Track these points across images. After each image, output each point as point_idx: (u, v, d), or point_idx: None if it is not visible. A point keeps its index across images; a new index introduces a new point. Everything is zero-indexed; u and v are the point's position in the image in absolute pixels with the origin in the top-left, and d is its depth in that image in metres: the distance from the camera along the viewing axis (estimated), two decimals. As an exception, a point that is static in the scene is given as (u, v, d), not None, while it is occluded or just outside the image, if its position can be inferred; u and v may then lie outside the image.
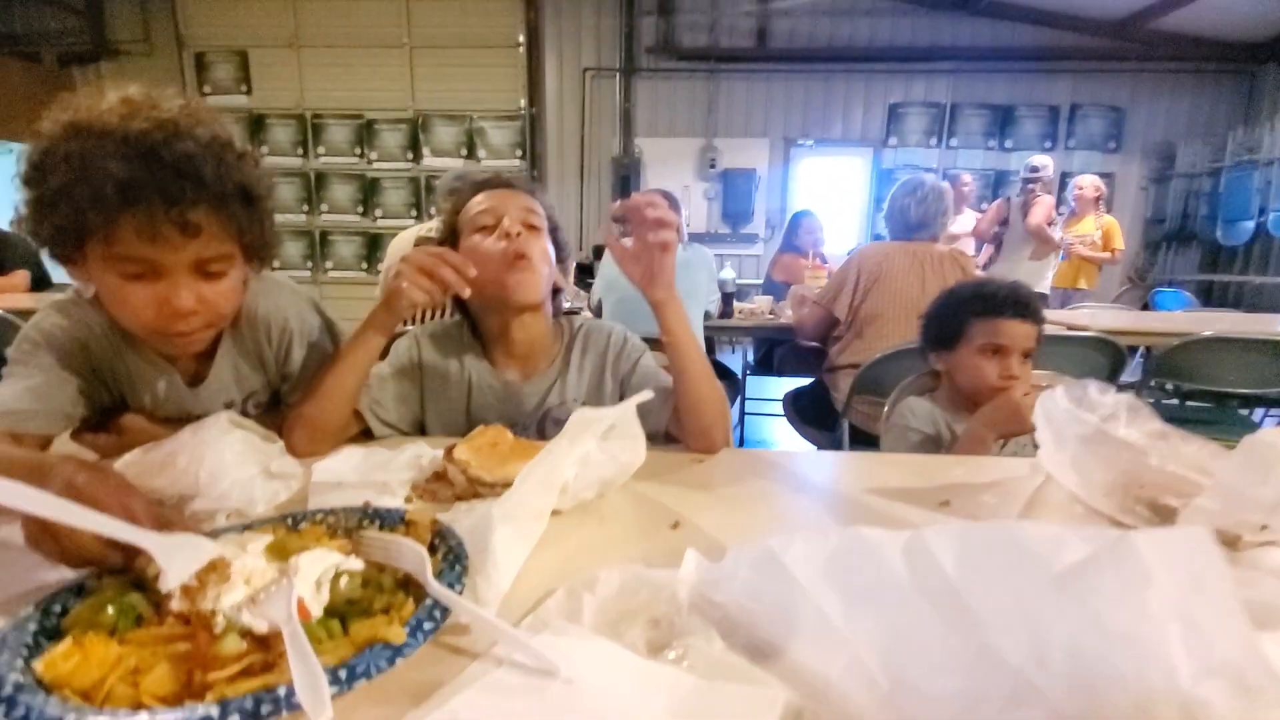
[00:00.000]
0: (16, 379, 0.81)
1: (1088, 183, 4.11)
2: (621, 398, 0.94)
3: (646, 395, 0.68)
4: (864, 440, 1.80)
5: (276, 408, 0.97)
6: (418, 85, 5.88)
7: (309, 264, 6.21)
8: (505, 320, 0.96)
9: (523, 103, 5.85)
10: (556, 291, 1.04)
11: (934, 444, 1.13)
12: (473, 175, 1.05)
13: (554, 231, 1.01)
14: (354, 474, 0.70)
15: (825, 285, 2.13)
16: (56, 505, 0.45)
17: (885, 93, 5.88)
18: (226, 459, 0.64)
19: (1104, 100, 5.77)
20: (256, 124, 5.96)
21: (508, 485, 0.66)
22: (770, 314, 2.63)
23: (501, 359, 0.99)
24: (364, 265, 6.19)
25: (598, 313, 2.40)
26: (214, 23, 5.80)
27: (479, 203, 0.97)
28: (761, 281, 3.88)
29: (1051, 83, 5.74)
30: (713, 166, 5.94)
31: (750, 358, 3.16)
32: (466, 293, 0.82)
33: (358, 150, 6.02)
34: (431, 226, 2.16)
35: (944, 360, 1.23)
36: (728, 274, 2.57)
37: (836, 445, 1.88)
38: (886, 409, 1.24)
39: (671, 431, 0.91)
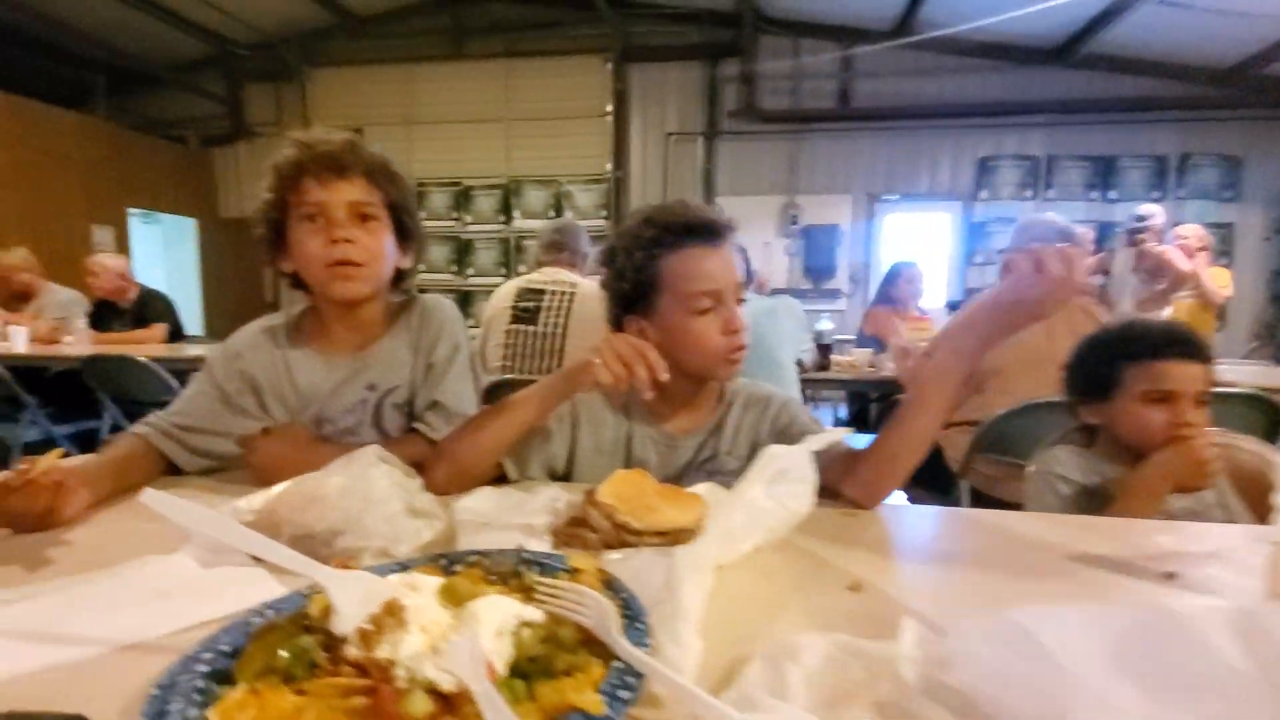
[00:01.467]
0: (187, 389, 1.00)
1: (1190, 232, 3.81)
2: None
3: (833, 436, 0.67)
4: (985, 504, 1.68)
5: (406, 418, 1.03)
6: (512, 153, 6.26)
7: (405, 320, 6.55)
8: (679, 381, 0.91)
9: (608, 166, 6.10)
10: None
11: (1089, 497, 1.03)
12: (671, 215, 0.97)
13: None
14: (494, 514, 0.70)
15: (938, 337, 2.03)
16: (228, 527, 0.48)
17: (974, 147, 5.77)
18: (374, 493, 0.64)
19: (1216, 149, 5.44)
20: (366, 192, 6.45)
21: (659, 534, 0.64)
22: (870, 367, 2.54)
23: (664, 410, 0.96)
24: (456, 321, 6.48)
25: None
26: (337, 104, 6.42)
27: (706, 270, 0.92)
28: (854, 337, 3.78)
29: (1156, 132, 5.48)
30: (794, 223, 5.94)
31: (842, 414, 3.05)
32: (649, 395, 0.81)
33: (454, 214, 6.41)
34: (531, 279, 2.23)
35: (1098, 413, 1.12)
36: (825, 325, 2.51)
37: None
38: (1032, 468, 1.14)
39: (823, 480, 0.87)
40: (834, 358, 2.54)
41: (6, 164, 5.19)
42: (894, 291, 3.43)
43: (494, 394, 1.95)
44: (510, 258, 6.40)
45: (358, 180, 0.94)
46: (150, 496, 0.52)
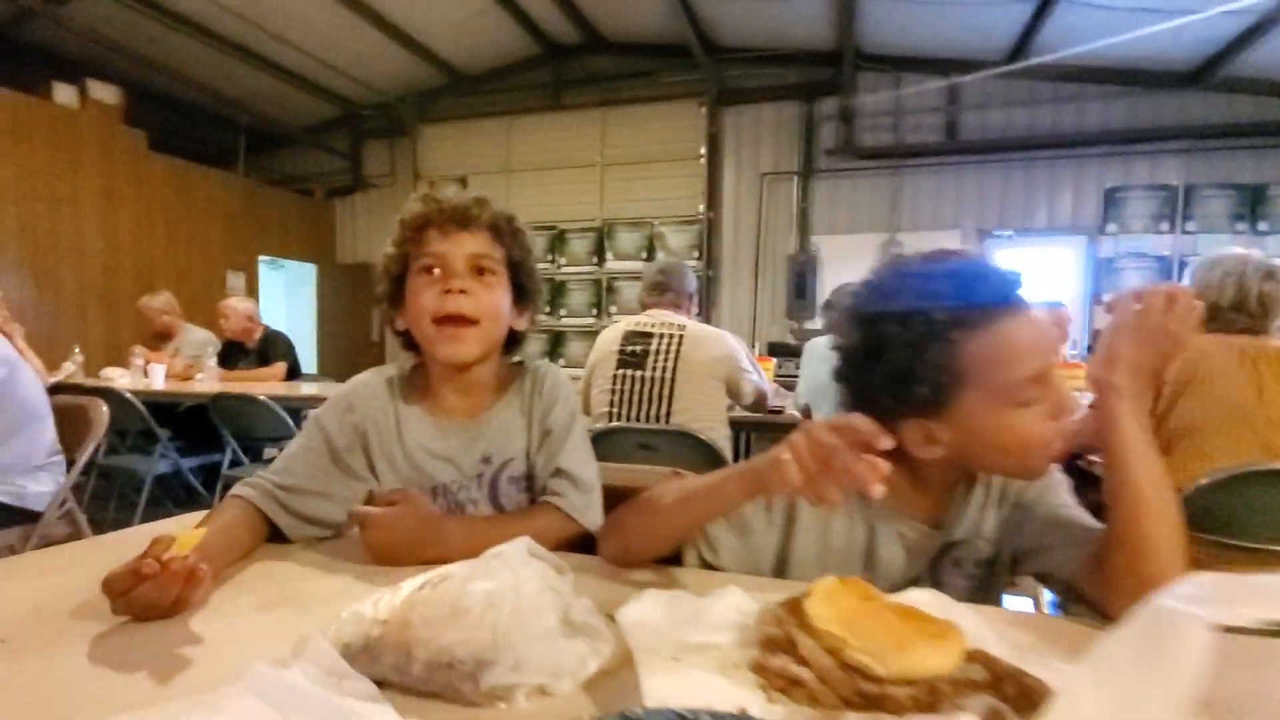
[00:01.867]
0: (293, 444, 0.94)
1: None
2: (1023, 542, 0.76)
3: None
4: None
5: (526, 489, 0.96)
6: (605, 197, 6.37)
7: (500, 360, 6.72)
8: (940, 470, 0.75)
9: (701, 208, 6.08)
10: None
11: None
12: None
13: None
14: (668, 626, 0.54)
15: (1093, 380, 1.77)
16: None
17: (1099, 177, 5.34)
18: (527, 604, 0.51)
19: (1397, 171, 4.76)
20: (467, 237, 6.75)
21: (908, 684, 0.44)
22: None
23: (915, 498, 0.77)
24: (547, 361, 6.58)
25: (809, 418, 2.24)
26: (443, 156, 6.79)
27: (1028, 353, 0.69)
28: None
29: (1319, 156, 4.87)
30: (897, 262, 5.65)
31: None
32: (878, 494, 0.56)
33: (549, 257, 6.56)
34: (638, 321, 2.17)
35: None
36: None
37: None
38: None
39: (1078, 582, 0.69)
40: None
41: (160, 216, 5.78)
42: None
43: (601, 442, 1.89)
44: (601, 299, 6.45)
45: (480, 233, 0.91)
46: (256, 680, 0.46)
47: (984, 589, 0.79)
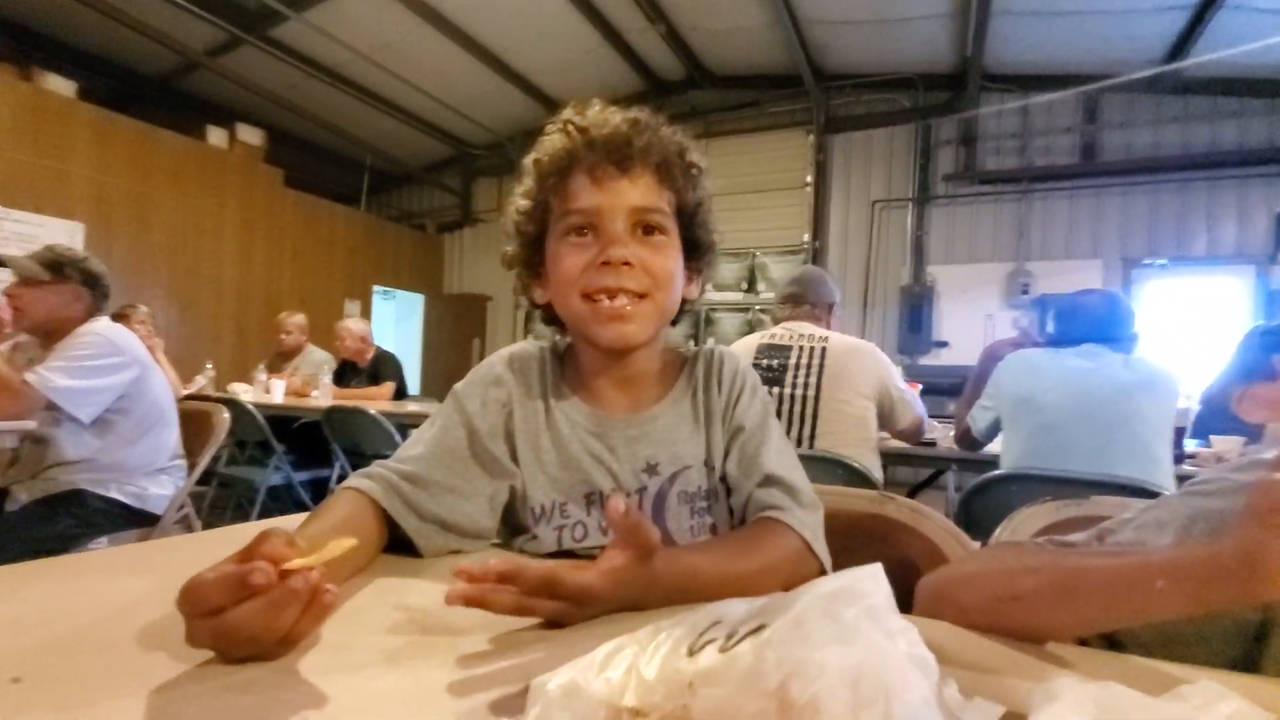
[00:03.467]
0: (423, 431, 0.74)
1: None
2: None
3: None
4: None
5: (707, 505, 0.72)
6: (705, 228, 6.27)
7: (595, 391, 6.69)
8: None
9: (806, 237, 5.85)
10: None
11: None
12: None
13: None
14: None
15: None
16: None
17: (1270, 200, 4.69)
18: (895, 686, 0.26)
19: None
20: (567, 269, 6.86)
21: None
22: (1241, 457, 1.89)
23: None
24: (643, 393, 6.48)
25: (985, 439, 1.90)
26: (545, 190, 6.97)
27: None
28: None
29: None
30: (1025, 293, 5.17)
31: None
32: None
33: (647, 288, 6.51)
34: (774, 333, 1.96)
35: None
36: (1180, 404, 1.88)
37: None
38: None
39: None
40: (1188, 443, 1.88)
41: (289, 248, 6.21)
42: (1254, 360, 2.55)
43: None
44: (700, 330, 6.30)
45: (646, 176, 0.69)
46: None
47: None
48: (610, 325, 0.68)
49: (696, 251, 0.76)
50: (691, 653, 0.30)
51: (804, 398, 1.80)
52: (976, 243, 5.44)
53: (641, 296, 0.68)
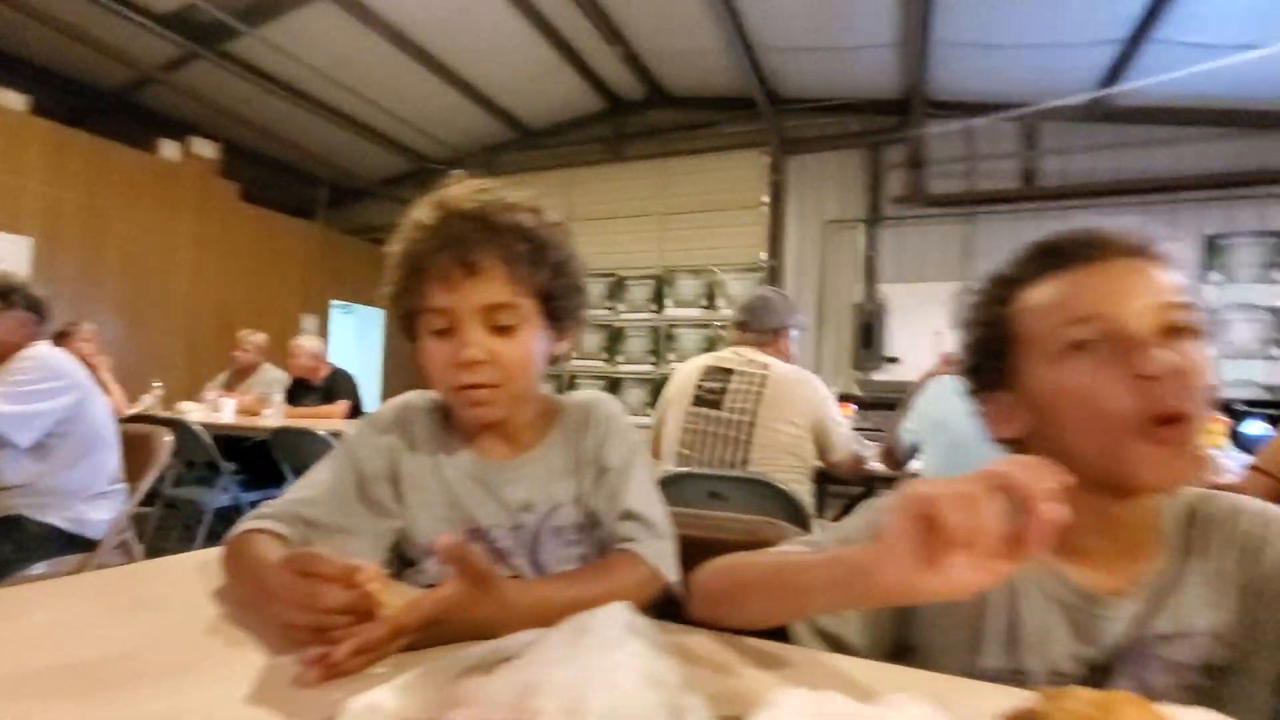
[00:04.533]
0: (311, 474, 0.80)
1: None
2: None
3: None
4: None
5: (584, 535, 0.80)
6: (665, 245, 6.37)
7: (557, 406, 6.70)
8: (1099, 498, 0.57)
9: (763, 255, 5.98)
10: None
11: None
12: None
13: None
14: None
15: (1275, 444, 1.47)
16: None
17: (1197, 224, 4.96)
18: (621, 708, 0.33)
19: None
20: (529, 284, 6.87)
21: None
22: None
23: (1079, 546, 0.60)
24: (604, 408, 6.52)
25: (905, 460, 2.00)
26: (508, 205, 7.00)
27: (1068, 294, 0.60)
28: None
29: None
30: (972, 311, 5.36)
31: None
32: (1044, 547, 0.42)
33: (608, 303, 6.57)
34: (721, 357, 2.02)
35: None
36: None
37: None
38: None
39: None
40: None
41: (245, 263, 6.12)
42: None
43: (668, 487, 1.73)
44: (660, 345, 6.38)
45: (495, 277, 0.73)
46: None
47: (1213, 707, 0.58)
48: (472, 410, 0.76)
49: (560, 319, 0.81)
50: (463, 673, 0.38)
51: (739, 423, 1.86)
52: (925, 262, 5.62)
53: (497, 385, 0.74)
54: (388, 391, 7.37)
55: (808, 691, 0.38)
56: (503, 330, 0.74)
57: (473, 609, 0.56)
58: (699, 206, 6.25)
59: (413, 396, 0.86)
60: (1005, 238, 5.40)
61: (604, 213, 6.59)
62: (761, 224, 6.01)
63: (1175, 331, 0.56)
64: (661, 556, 0.73)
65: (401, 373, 7.36)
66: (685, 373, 2.01)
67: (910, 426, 1.94)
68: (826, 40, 4.80)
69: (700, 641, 0.60)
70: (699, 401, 1.92)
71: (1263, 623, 0.55)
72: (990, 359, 0.64)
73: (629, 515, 0.75)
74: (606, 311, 6.58)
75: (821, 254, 5.94)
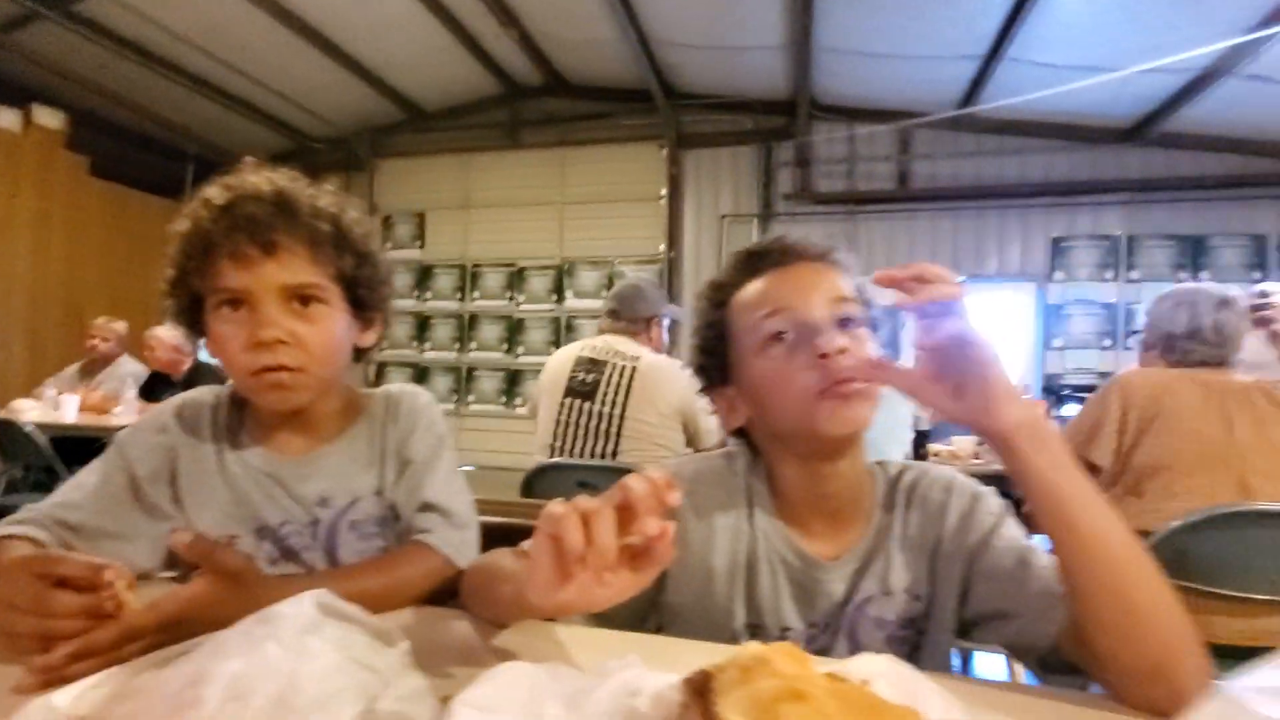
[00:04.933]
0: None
1: None
2: (965, 594, 0.64)
3: None
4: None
5: (386, 529, 0.79)
6: (565, 236, 6.33)
7: (455, 397, 6.52)
8: (809, 467, 0.67)
9: (662, 247, 6.07)
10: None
11: None
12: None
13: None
14: (530, 716, 0.38)
15: (1072, 424, 1.68)
16: None
17: (1046, 227, 5.50)
18: (303, 693, 0.34)
19: (1324, 227, 5.01)
20: (424, 273, 6.63)
21: None
22: (976, 458, 2.21)
23: (803, 518, 0.69)
24: (503, 399, 6.40)
25: None
26: (400, 191, 6.71)
27: (765, 292, 0.70)
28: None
29: (1253, 209, 5.09)
30: (854, 304, 5.71)
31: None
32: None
33: (508, 294, 6.46)
34: (594, 346, 2.03)
35: None
36: (920, 410, 2.19)
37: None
38: None
39: (1072, 656, 0.56)
40: (932, 447, 2.20)
41: (97, 244, 5.53)
42: None
43: (538, 478, 1.73)
44: (560, 336, 6.35)
45: (296, 256, 0.70)
46: None
47: (914, 657, 0.65)
48: (272, 394, 0.73)
49: (365, 307, 0.79)
50: (141, 672, 0.38)
51: (610, 415, 1.89)
52: (813, 257, 5.91)
53: (301, 368, 0.71)
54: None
55: (527, 664, 0.41)
56: (305, 312, 0.72)
57: (221, 608, 0.53)
58: (599, 197, 6.25)
59: (198, 392, 0.83)
60: (883, 235, 5.79)
61: (503, 200, 6.46)
62: (660, 216, 6.10)
63: (845, 321, 0.68)
64: (457, 545, 0.74)
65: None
66: (557, 363, 2.02)
67: None
68: (719, 39, 4.91)
69: (456, 625, 0.62)
70: (571, 393, 1.93)
71: (945, 578, 0.65)
72: (714, 358, 0.73)
73: (427, 506, 0.76)
74: (507, 302, 6.47)
75: (719, 247, 6.10)
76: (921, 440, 2.13)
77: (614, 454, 1.86)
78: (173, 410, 0.80)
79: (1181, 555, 1.25)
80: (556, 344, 6.34)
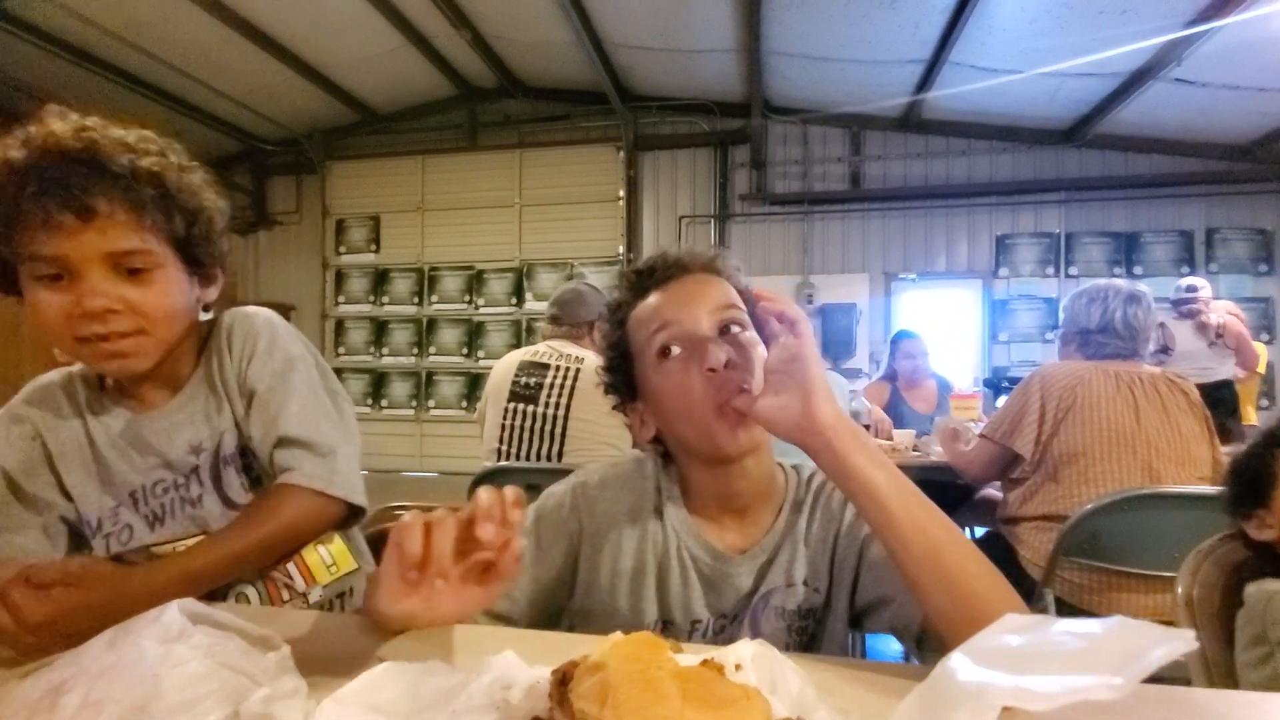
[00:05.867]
0: None
1: (1219, 307, 3.64)
2: (856, 584, 0.67)
3: None
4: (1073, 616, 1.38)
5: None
6: (524, 238, 6.30)
7: (414, 402, 6.43)
8: (715, 470, 0.68)
9: (621, 249, 6.09)
10: None
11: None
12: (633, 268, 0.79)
13: None
14: (405, 716, 0.39)
15: (997, 415, 1.77)
16: None
17: (991, 225, 5.69)
18: (167, 694, 0.34)
19: (1246, 223, 5.29)
20: (381, 277, 6.52)
21: None
22: (914, 450, 2.28)
23: (714, 515, 0.70)
24: (464, 404, 6.33)
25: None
26: (354, 194, 6.58)
27: (654, 309, 0.71)
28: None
29: (1180, 207, 5.36)
30: (810, 301, 5.82)
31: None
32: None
33: (467, 297, 6.39)
34: (537, 351, 2.04)
35: (1264, 524, 0.85)
36: (858, 404, 2.26)
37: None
38: (1183, 591, 0.87)
39: (932, 634, 0.60)
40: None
41: (28, 252, 5.27)
42: (894, 365, 3.15)
43: (486, 482, 1.73)
44: (520, 339, 6.31)
45: (120, 221, 0.65)
46: None
47: (812, 645, 0.69)
48: (110, 362, 0.69)
49: (202, 265, 0.75)
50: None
51: (554, 416, 1.90)
52: (770, 257, 6.00)
53: (139, 332, 0.68)
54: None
55: (403, 663, 0.42)
56: (135, 277, 0.67)
57: (86, 613, 0.52)
58: (557, 199, 6.24)
59: (50, 375, 0.79)
60: (837, 234, 5.91)
61: (460, 203, 6.39)
62: (619, 218, 6.12)
63: (730, 327, 0.68)
64: (326, 476, 0.70)
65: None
66: (501, 369, 2.02)
67: None
68: (673, 42, 4.95)
69: (344, 628, 0.60)
70: (515, 397, 1.94)
71: (841, 569, 0.69)
72: (620, 375, 0.74)
73: (286, 441, 0.72)
74: (465, 306, 6.41)
75: (677, 247, 6.14)
76: (859, 433, 2.19)
77: (559, 455, 1.87)
78: (22, 399, 0.76)
79: (1094, 537, 1.33)
80: (517, 346, 6.30)
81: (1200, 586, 0.84)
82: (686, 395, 0.66)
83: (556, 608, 0.71)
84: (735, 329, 0.68)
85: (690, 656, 0.41)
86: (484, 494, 0.45)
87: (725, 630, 0.67)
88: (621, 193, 6.09)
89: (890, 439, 2.35)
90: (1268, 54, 3.86)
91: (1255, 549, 0.85)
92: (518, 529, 0.48)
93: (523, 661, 0.42)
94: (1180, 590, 0.85)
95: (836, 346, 5.79)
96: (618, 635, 0.41)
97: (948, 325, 5.71)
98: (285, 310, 6.81)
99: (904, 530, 0.54)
